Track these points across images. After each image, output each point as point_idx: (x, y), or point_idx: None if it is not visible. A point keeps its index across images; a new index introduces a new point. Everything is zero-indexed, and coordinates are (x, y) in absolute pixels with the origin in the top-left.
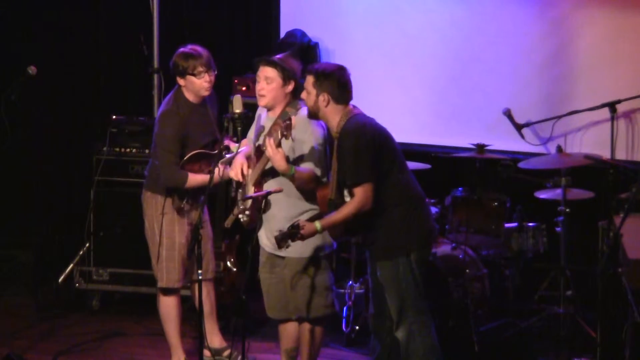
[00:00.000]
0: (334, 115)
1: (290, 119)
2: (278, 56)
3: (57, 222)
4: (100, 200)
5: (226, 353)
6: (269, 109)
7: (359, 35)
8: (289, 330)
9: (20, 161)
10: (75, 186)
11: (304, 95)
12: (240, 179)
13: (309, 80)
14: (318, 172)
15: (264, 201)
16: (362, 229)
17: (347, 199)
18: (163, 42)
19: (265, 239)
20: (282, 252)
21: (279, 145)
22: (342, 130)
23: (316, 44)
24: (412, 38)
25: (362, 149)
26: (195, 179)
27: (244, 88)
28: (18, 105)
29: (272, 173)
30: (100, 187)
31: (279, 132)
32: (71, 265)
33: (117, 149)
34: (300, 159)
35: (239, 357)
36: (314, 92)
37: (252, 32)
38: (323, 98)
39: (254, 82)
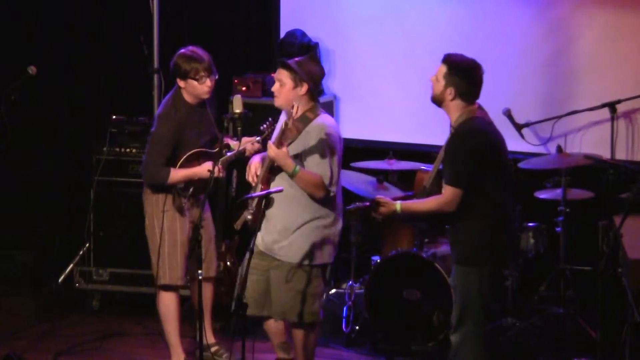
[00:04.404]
0: (455, 110)
1: (292, 107)
2: (297, 59)
3: (57, 222)
4: (100, 201)
5: (214, 349)
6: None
7: (359, 35)
8: (272, 328)
9: (20, 161)
10: (75, 186)
11: (432, 79)
12: (252, 182)
13: (442, 69)
14: (326, 179)
15: (264, 200)
16: (443, 225)
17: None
18: (163, 42)
19: (260, 237)
20: (276, 255)
21: (280, 143)
22: (457, 126)
23: (316, 44)
24: (412, 38)
25: (466, 154)
26: (177, 174)
27: (244, 88)
28: (18, 105)
29: (278, 170)
30: (100, 187)
31: (284, 121)
32: (71, 266)
33: (117, 149)
34: (309, 164)
35: (225, 354)
36: (442, 82)
37: (252, 33)
38: (450, 91)
39: (254, 82)
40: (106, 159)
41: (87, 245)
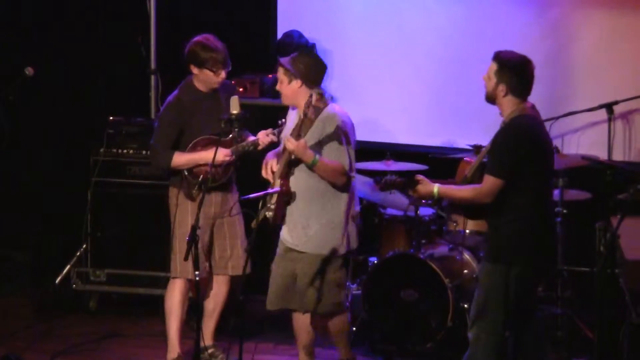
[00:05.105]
0: (508, 106)
1: (311, 96)
2: (293, 55)
3: (55, 223)
4: (97, 201)
5: (210, 351)
6: (293, 106)
7: (357, 36)
8: (299, 322)
9: (18, 161)
10: (72, 187)
11: (485, 78)
12: (270, 178)
13: (492, 67)
14: (346, 165)
15: (285, 197)
16: (481, 218)
17: None
18: (160, 44)
19: (287, 233)
20: (301, 247)
21: (298, 136)
22: (508, 121)
23: (313, 45)
24: (410, 38)
25: (510, 147)
26: (181, 157)
27: (241, 89)
28: (16, 105)
29: (296, 164)
30: (97, 188)
31: (301, 113)
32: (68, 266)
33: (115, 150)
34: (327, 153)
35: (221, 356)
36: (494, 79)
37: (250, 34)
38: (502, 88)
39: (252, 83)
40: (103, 159)
41: (85, 246)
